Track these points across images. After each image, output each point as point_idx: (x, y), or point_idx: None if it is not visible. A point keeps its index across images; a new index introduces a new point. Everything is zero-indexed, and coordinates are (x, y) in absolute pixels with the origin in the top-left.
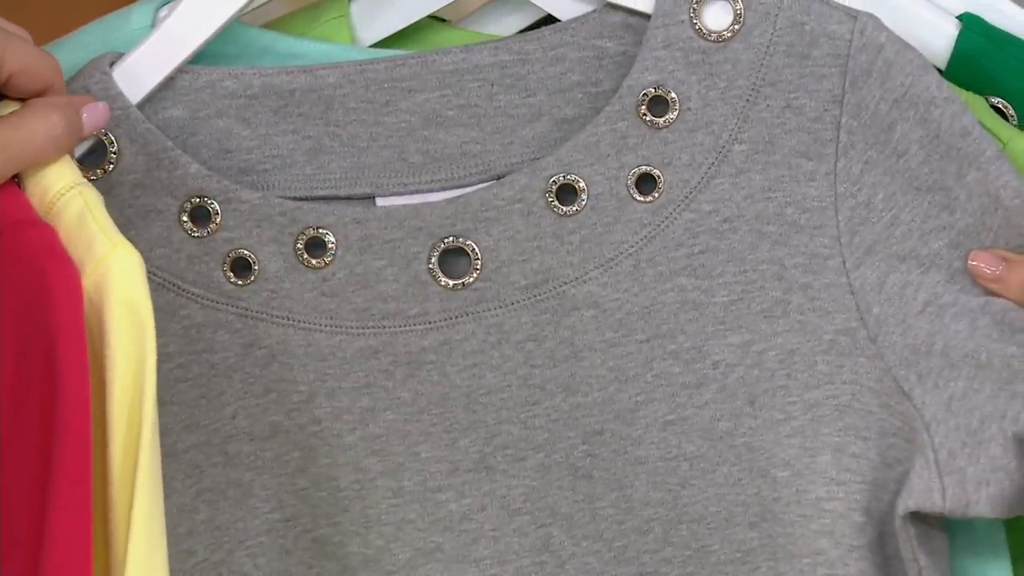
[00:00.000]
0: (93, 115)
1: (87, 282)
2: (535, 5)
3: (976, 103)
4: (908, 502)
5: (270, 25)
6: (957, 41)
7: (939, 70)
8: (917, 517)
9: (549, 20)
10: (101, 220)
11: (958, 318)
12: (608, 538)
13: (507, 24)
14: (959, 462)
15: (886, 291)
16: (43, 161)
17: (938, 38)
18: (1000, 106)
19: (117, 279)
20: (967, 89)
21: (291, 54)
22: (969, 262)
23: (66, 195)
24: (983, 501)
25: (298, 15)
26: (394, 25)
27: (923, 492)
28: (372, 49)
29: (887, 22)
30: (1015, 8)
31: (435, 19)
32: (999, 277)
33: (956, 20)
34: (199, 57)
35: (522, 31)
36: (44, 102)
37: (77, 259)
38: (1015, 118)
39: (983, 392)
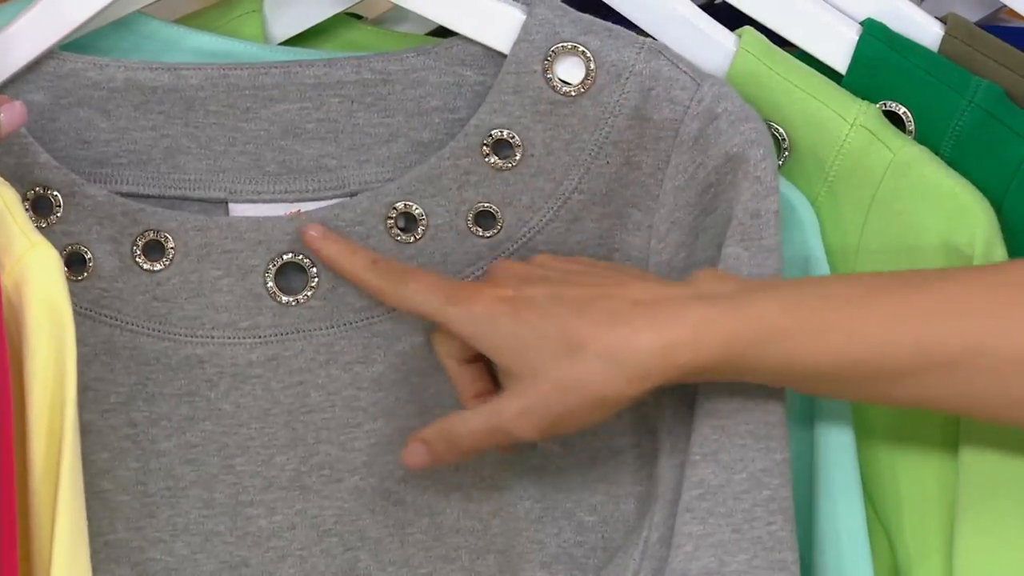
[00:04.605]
0: (11, 114)
1: (7, 281)
2: None
3: (868, 112)
4: (604, 573)
5: (183, 19)
6: (857, 47)
7: (839, 75)
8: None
9: None
10: (20, 219)
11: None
12: (414, 564)
13: (421, 20)
14: (664, 551)
15: None
16: None
17: (839, 44)
18: (900, 113)
19: (36, 279)
20: (865, 96)
21: (196, 50)
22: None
23: None
24: None
25: (211, 9)
26: (307, 21)
27: (619, 568)
28: (280, 48)
29: (791, 27)
30: (923, 15)
31: (351, 16)
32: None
33: (859, 26)
34: (91, 47)
35: (433, 32)
36: None
37: None
38: (913, 122)
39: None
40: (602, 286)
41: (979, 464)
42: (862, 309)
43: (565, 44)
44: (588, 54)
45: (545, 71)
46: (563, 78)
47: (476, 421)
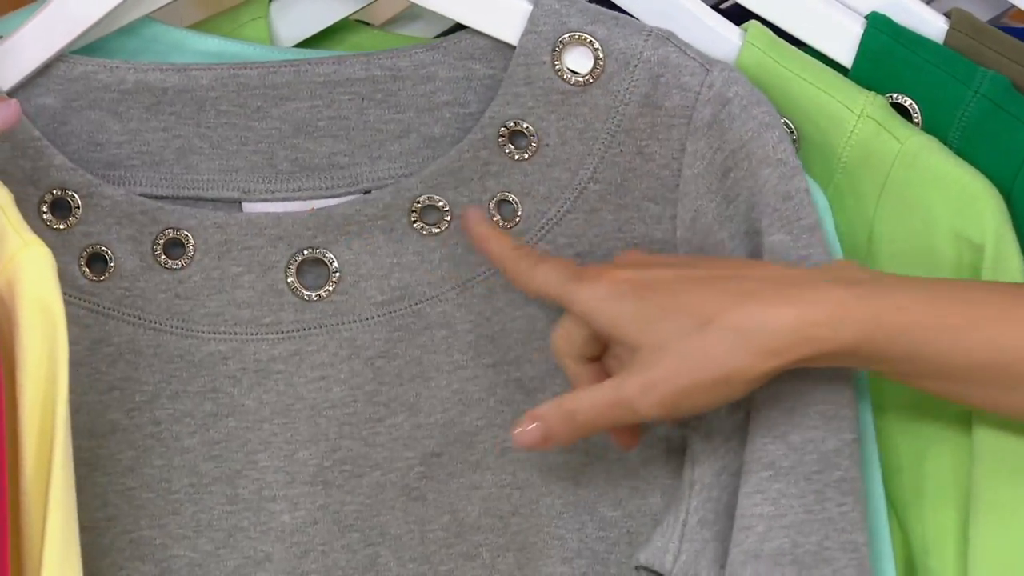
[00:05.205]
0: (5, 112)
1: None
2: None
3: (875, 102)
4: (640, 556)
5: (190, 27)
6: (862, 40)
7: (844, 69)
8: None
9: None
10: (12, 218)
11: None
12: (435, 562)
13: (428, 24)
14: (705, 533)
15: None
16: None
17: (843, 38)
18: (907, 105)
19: (28, 277)
20: (871, 88)
21: (203, 52)
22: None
23: None
24: None
25: (217, 16)
26: (313, 26)
27: (658, 551)
28: (287, 48)
29: (795, 22)
30: (928, 9)
31: (358, 22)
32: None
33: (864, 20)
34: (98, 50)
35: (441, 35)
36: None
37: None
38: (919, 114)
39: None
40: (730, 268)
41: (994, 446)
42: (1004, 312)
43: (573, 34)
44: (596, 43)
45: (554, 62)
46: (572, 68)
47: (597, 394)
